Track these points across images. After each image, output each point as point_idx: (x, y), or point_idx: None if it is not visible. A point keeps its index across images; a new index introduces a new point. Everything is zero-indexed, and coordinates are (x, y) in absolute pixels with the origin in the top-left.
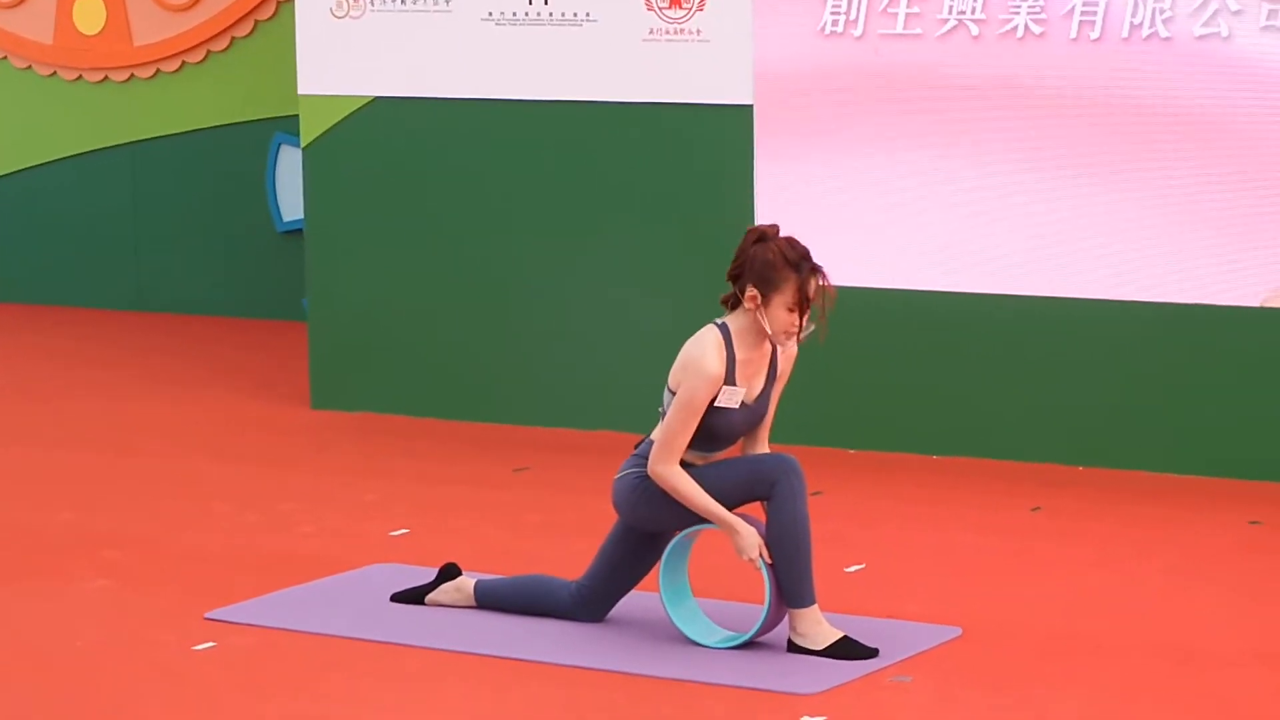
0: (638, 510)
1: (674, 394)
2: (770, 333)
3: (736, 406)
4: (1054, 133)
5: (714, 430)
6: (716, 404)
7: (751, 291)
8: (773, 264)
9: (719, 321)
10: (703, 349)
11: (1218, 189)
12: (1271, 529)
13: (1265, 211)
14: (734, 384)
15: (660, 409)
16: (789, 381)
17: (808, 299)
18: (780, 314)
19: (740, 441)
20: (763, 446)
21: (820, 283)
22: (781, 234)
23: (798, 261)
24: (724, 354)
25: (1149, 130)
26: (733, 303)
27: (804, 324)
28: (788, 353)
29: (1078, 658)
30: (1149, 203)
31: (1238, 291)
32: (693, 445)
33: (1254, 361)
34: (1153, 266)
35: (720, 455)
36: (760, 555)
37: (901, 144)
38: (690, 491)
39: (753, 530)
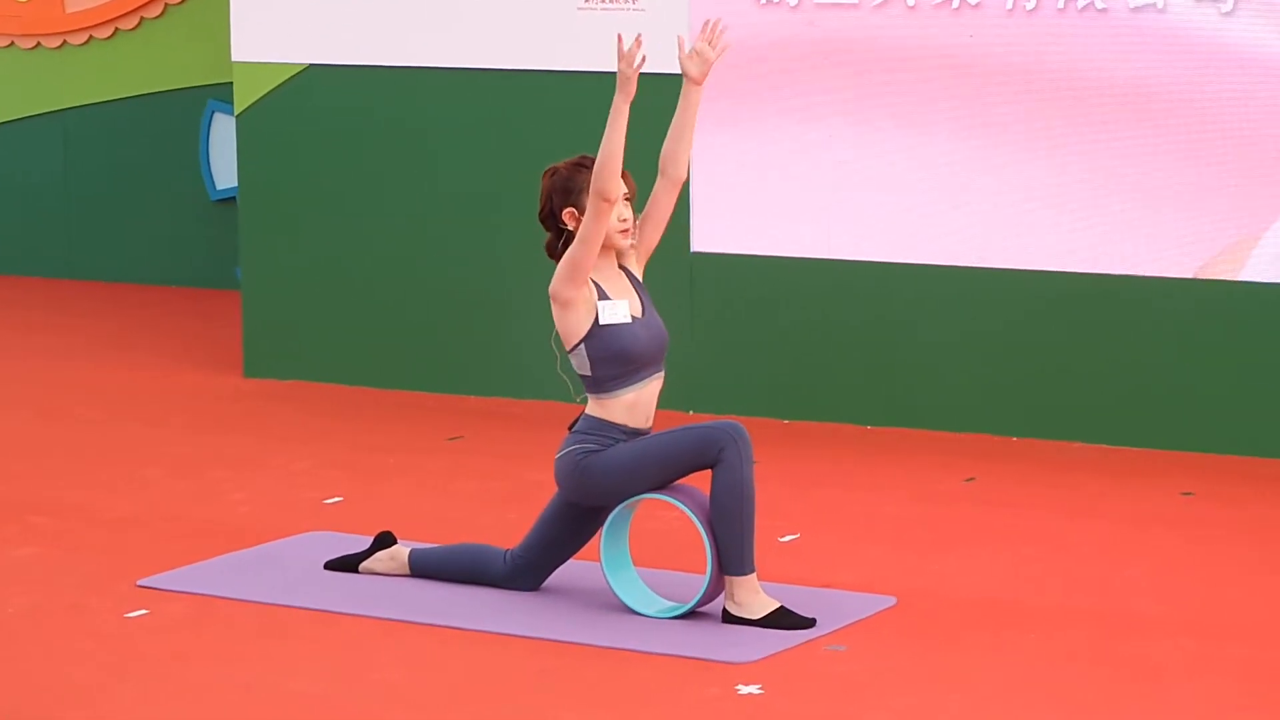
0: (581, 488)
1: (567, 346)
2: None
3: (627, 320)
4: (989, 104)
5: (627, 354)
6: (603, 323)
7: (568, 210)
8: (568, 176)
9: None
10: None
11: (1152, 159)
12: (1202, 500)
13: (1199, 182)
14: (608, 299)
15: (558, 368)
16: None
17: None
18: None
19: (663, 364)
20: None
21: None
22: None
23: (589, 164)
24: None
25: (1084, 101)
26: (561, 246)
27: (632, 220)
28: (631, 257)
29: (1011, 626)
30: (1084, 174)
31: (1172, 262)
32: (619, 382)
33: (1188, 333)
34: (1088, 237)
35: (654, 383)
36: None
37: (836, 115)
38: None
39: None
